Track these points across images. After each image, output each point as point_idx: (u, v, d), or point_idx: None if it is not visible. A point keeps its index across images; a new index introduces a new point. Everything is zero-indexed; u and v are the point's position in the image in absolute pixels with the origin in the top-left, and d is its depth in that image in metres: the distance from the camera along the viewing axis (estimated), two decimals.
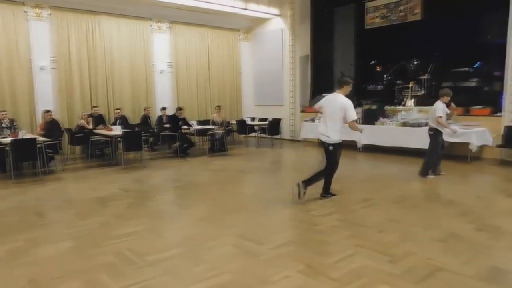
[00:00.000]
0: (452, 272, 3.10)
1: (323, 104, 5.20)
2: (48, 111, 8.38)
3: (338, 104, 4.99)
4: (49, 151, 7.60)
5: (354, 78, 12.21)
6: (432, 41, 9.67)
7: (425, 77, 9.59)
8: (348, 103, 4.99)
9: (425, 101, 9.46)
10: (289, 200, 5.26)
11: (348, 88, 5.12)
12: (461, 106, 8.74)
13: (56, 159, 8.08)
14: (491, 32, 8.51)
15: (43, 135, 7.96)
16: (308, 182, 5.17)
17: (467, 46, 9.24)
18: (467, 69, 9.35)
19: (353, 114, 4.98)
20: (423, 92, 9.61)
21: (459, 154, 8.31)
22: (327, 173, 5.30)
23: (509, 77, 7.79)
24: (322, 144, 5.30)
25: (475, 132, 7.66)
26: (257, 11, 11.68)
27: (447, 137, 7.98)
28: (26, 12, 8.96)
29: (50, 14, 9.27)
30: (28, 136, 7.41)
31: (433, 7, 9.65)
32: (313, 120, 10.72)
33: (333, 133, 5.06)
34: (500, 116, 8.01)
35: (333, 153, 5.17)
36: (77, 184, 6.56)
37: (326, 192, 5.36)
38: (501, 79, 8.23)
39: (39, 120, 8.95)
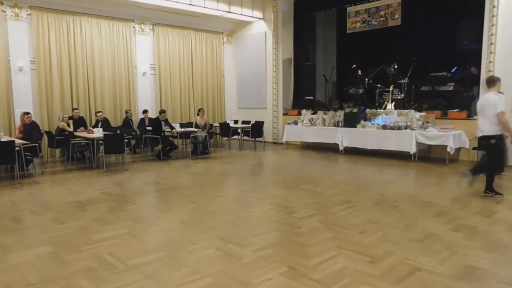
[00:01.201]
0: (429, 271, 3.18)
1: (479, 105, 5.68)
2: (27, 113, 8.20)
3: (490, 101, 5.40)
4: (28, 154, 7.43)
5: (335, 82, 12.52)
6: (411, 45, 9.91)
7: (405, 81, 9.80)
8: (497, 97, 5.37)
9: (404, 104, 9.68)
10: (271, 203, 5.31)
11: (500, 84, 5.55)
12: (439, 109, 9.00)
13: (35, 162, 7.91)
14: (467, 38, 8.77)
15: (22, 138, 7.78)
16: (474, 171, 5.84)
17: (444, 51, 9.50)
18: (444, 73, 9.61)
19: (500, 106, 5.28)
20: (402, 95, 9.81)
21: (437, 156, 8.54)
22: (489, 168, 5.64)
23: (484, 81, 8.03)
24: (483, 140, 5.59)
25: (452, 135, 7.86)
26: (241, 14, 11.73)
27: (425, 139, 8.19)
28: (5, 11, 8.76)
29: (30, 14, 9.10)
30: (6, 138, 7.23)
31: (412, 12, 9.89)
32: (295, 122, 10.81)
33: (490, 127, 5.41)
34: (476, 119, 8.23)
35: (494, 146, 5.46)
36: (56, 188, 6.43)
37: (490, 189, 5.55)
38: (476, 83, 8.50)
39: (17, 122, 8.74)
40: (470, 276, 3.10)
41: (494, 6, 7.78)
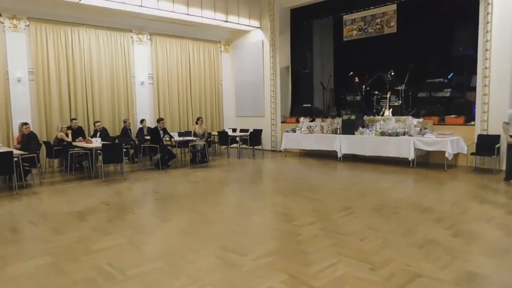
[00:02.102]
0: (430, 277, 3.17)
1: None
2: (25, 124, 8.19)
3: None
4: (26, 164, 7.41)
5: (333, 89, 12.59)
6: (407, 52, 9.99)
7: (402, 87, 9.86)
8: None
9: (402, 111, 9.72)
10: (270, 211, 5.30)
11: None
12: (436, 115, 9.04)
13: (33, 173, 7.88)
14: (462, 44, 8.86)
15: (20, 148, 7.76)
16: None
17: (440, 57, 9.58)
18: (441, 79, 9.68)
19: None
20: (400, 102, 9.86)
21: (436, 162, 8.56)
22: None
23: (481, 87, 8.10)
24: None
25: (450, 140, 7.89)
26: (238, 24, 11.81)
27: (423, 145, 8.24)
28: (3, 23, 8.80)
29: (28, 25, 9.14)
30: (4, 149, 7.22)
31: (408, 20, 10.00)
32: (294, 130, 10.84)
33: None
34: (473, 125, 8.30)
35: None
36: (54, 198, 6.40)
37: None
38: (473, 89, 8.56)
39: (16, 132, 8.73)
40: (471, 282, 3.10)
41: (488, 13, 7.88)
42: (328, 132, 10.10)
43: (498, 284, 3.06)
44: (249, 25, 12.14)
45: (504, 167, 7.41)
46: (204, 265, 3.52)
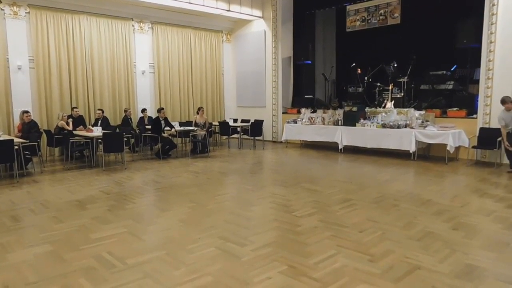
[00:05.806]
0: (429, 270, 3.18)
1: None
2: (26, 112, 8.19)
3: None
4: (27, 153, 7.42)
5: (334, 80, 12.53)
6: (410, 44, 9.90)
7: (404, 79, 9.79)
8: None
9: (403, 103, 9.67)
10: (270, 201, 5.31)
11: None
12: (438, 108, 9.00)
13: (34, 161, 7.89)
14: (467, 36, 8.76)
15: (21, 137, 7.77)
16: None
17: (444, 49, 9.49)
18: (444, 72, 9.60)
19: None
20: (402, 94, 9.80)
21: (437, 155, 8.54)
22: None
23: (484, 80, 8.04)
24: None
25: (452, 133, 7.86)
26: (240, 13, 11.70)
27: (424, 138, 8.21)
28: (3, 10, 8.74)
29: (28, 12, 9.07)
30: (5, 137, 7.21)
31: (412, 11, 9.89)
32: (295, 121, 10.81)
33: None
34: (475, 118, 8.25)
35: None
36: (55, 187, 6.42)
37: None
38: (476, 82, 8.50)
39: (17, 121, 8.73)
40: (470, 275, 3.10)
41: (493, 5, 7.78)
42: (329, 123, 10.07)
43: (497, 277, 3.06)
44: (251, 15, 12.03)
45: (505, 161, 7.43)
46: (204, 255, 3.53)
